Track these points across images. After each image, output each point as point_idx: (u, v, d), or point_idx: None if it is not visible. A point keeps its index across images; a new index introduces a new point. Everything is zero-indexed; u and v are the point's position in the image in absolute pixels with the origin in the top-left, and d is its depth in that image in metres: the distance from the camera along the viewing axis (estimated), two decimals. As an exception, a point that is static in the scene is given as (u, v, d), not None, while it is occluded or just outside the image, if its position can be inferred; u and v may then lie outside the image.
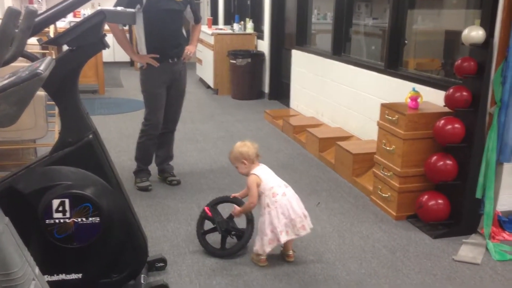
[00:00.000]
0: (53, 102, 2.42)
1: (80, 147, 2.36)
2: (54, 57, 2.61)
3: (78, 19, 7.96)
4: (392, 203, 3.55)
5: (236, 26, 8.20)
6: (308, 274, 2.80)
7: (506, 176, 3.30)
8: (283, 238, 2.81)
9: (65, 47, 2.41)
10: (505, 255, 3.04)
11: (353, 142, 4.67)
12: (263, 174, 2.90)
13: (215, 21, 9.78)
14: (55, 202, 2.27)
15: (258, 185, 2.85)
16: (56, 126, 3.71)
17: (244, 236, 2.98)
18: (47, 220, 2.28)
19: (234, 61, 7.51)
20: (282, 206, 2.81)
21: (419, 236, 3.30)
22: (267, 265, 2.87)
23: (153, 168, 4.15)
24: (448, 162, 3.29)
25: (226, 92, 7.93)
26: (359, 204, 3.81)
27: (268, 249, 2.83)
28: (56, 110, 3.44)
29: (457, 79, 3.49)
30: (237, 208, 2.98)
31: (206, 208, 3.05)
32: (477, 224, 3.27)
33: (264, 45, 7.65)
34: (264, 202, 2.83)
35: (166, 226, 3.36)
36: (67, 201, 2.28)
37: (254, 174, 2.88)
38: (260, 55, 7.62)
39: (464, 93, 3.23)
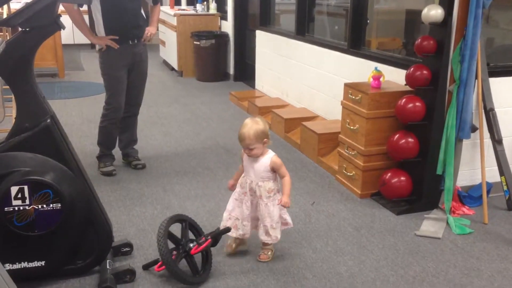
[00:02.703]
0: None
1: (37, 132, 2.30)
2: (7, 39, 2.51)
3: None
4: (357, 181, 3.61)
5: (199, 7, 8.07)
6: (275, 254, 2.82)
7: (465, 152, 3.39)
8: None
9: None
10: (465, 229, 3.14)
11: (318, 122, 4.71)
12: None
13: (177, 2, 9.60)
14: (14, 189, 2.22)
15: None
16: (13, 111, 3.59)
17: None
18: (5, 208, 2.23)
19: (198, 43, 7.41)
20: None
21: (383, 213, 3.37)
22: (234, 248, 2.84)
23: (117, 152, 4.08)
24: (410, 140, 3.35)
25: (191, 74, 7.83)
26: (325, 183, 3.86)
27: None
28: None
29: (417, 58, 3.54)
30: (283, 199, 2.59)
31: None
32: (438, 199, 3.36)
33: (228, 26, 7.57)
34: (278, 187, 2.69)
35: (132, 211, 3.32)
36: (26, 187, 2.22)
37: (275, 155, 2.63)
38: (224, 36, 7.54)
39: (424, 72, 3.28)
